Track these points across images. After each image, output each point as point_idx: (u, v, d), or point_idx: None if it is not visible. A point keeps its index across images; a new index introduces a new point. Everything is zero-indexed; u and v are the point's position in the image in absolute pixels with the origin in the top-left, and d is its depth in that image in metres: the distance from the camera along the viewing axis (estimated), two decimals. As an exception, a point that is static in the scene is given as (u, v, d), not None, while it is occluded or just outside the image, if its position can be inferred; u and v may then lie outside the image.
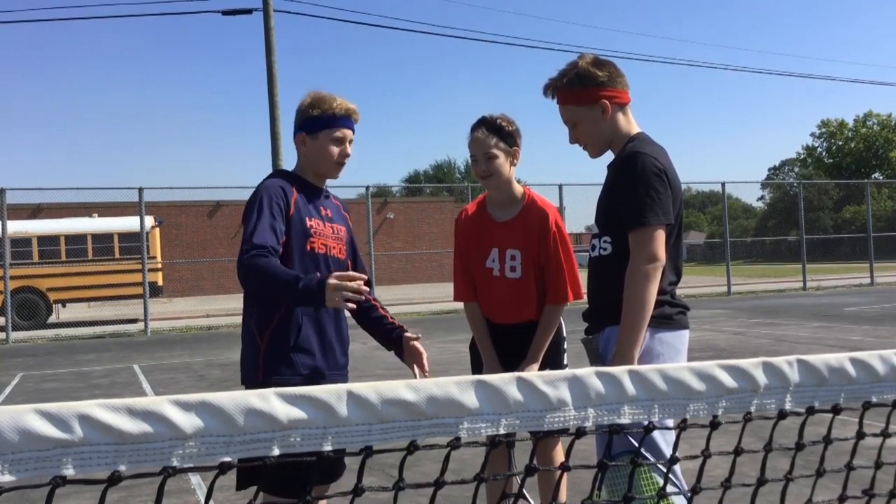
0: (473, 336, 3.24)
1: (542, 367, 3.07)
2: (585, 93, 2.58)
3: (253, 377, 2.63)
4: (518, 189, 3.18)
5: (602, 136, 2.63)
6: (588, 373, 1.07)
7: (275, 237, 2.55)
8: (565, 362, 3.27)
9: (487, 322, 3.20)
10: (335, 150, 2.73)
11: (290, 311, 2.64)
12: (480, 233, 3.18)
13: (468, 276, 3.23)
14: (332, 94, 2.76)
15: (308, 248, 2.67)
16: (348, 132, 2.75)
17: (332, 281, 2.35)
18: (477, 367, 3.23)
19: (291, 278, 2.42)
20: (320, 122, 2.71)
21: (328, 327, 2.73)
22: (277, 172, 2.79)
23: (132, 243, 19.07)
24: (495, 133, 3.06)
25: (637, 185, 2.45)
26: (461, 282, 3.25)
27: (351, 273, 2.42)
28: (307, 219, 2.68)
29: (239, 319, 18.92)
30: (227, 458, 0.88)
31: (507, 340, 3.15)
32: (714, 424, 1.18)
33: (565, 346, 3.29)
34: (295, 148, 2.81)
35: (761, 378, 1.17)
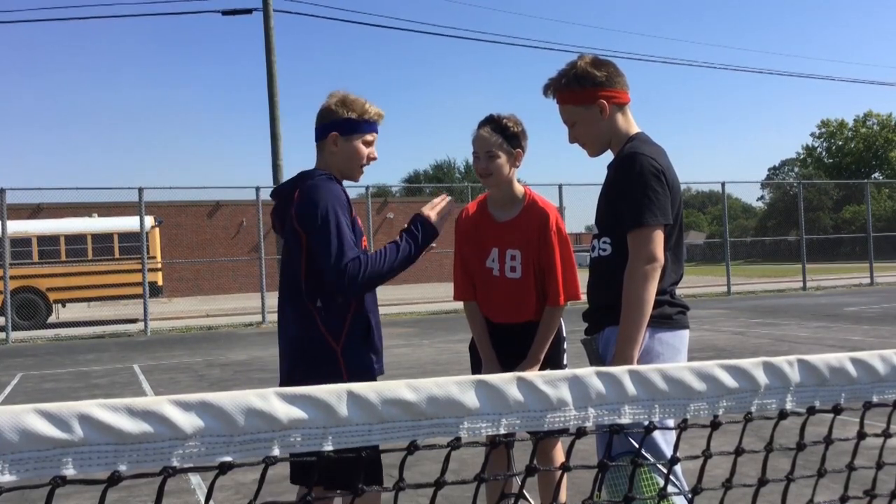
0: (472, 335, 3.24)
1: (542, 368, 3.07)
2: (583, 93, 2.58)
3: (332, 380, 2.62)
4: (519, 189, 3.17)
5: (600, 136, 2.63)
6: (588, 373, 1.07)
7: (356, 249, 2.64)
8: (565, 362, 3.27)
9: (486, 321, 3.20)
10: (365, 152, 2.79)
11: (360, 309, 2.71)
12: (481, 232, 3.18)
13: (468, 275, 3.23)
14: (359, 97, 2.81)
15: (363, 247, 2.75)
16: (376, 136, 2.83)
17: (429, 213, 2.80)
18: (476, 368, 3.23)
19: (408, 248, 2.71)
20: (356, 125, 2.76)
21: (378, 327, 2.83)
22: (321, 174, 2.75)
23: (132, 243, 19.07)
24: (500, 133, 3.06)
25: (635, 185, 2.45)
26: (461, 281, 3.25)
27: (434, 200, 2.85)
28: (358, 219, 2.76)
29: (238, 319, 18.66)
30: (227, 458, 0.88)
31: (505, 340, 3.16)
32: (714, 424, 1.18)
33: (565, 346, 3.29)
34: (319, 147, 2.81)
35: (762, 378, 1.17)
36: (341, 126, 2.75)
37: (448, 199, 2.84)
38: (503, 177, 3.08)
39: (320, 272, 2.61)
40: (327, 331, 2.65)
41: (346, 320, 2.67)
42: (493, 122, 3.08)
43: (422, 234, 2.75)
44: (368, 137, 2.79)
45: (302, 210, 2.64)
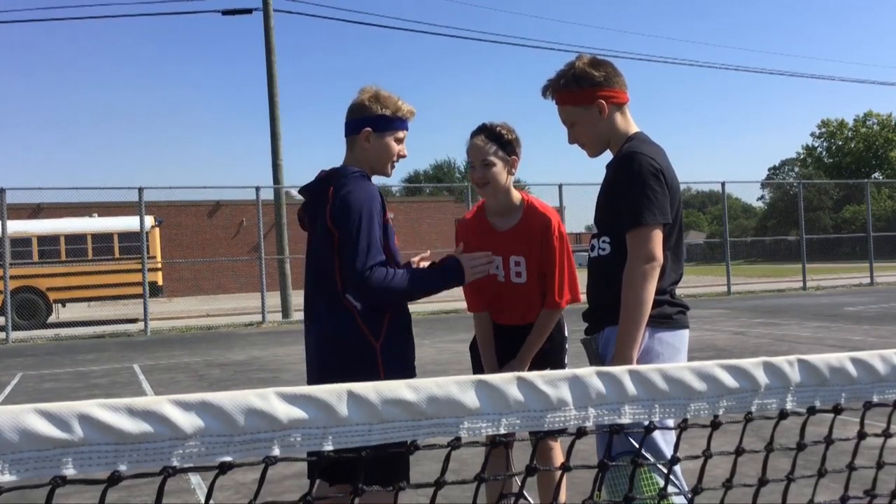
0: (478, 343, 3.22)
1: (544, 368, 3.07)
2: (582, 93, 2.58)
3: (367, 378, 2.58)
4: (516, 196, 3.16)
5: (599, 136, 2.63)
6: (588, 373, 1.07)
7: (383, 254, 2.64)
8: (566, 364, 3.27)
9: (493, 325, 3.21)
10: (396, 149, 2.79)
11: (401, 306, 2.72)
12: (482, 242, 3.17)
13: (478, 284, 3.21)
14: (391, 93, 2.81)
15: (395, 244, 2.77)
16: (407, 133, 2.84)
17: (466, 262, 2.77)
18: (477, 368, 3.24)
19: (432, 282, 2.71)
20: (389, 122, 2.76)
21: None
22: (355, 171, 2.74)
23: (132, 243, 19.07)
24: (494, 141, 3.05)
25: (634, 184, 2.45)
26: (471, 292, 3.21)
27: (479, 254, 2.84)
28: (389, 218, 2.76)
29: (238, 319, 18.59)
30: (228, 458, 0.88)
31: (511, 341, 3.16)
32: (715, 424, 1.18)
33: (567, 346, 3.30)
34: (350, 143, 2.79)
35: (762, 378, 1.17)
36: (375, 122, 2.74)
37: (491, 262, 2.84)
38: (501, 185, 3.07)
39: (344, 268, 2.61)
40: (366, 328, 2.63)
41: (385, 317, 2.66)
42: (487, 131, 3.07)
43: (450, 275, 2.75)
44: (400, 134, 2.79)
45: (337, 209, 2.63)
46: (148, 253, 17.27)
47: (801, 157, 70.32)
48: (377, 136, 2.74)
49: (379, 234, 2.61)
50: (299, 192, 2.87)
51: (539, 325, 3.10)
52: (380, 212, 2.65)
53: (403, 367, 2.68)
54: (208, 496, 1.01)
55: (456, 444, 0.99)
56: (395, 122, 2.76)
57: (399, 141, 2.79)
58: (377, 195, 2.67)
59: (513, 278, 3.13)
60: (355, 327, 2.63)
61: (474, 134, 3.09)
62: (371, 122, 2.74)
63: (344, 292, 2.65)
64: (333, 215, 2.63)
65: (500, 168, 3.05)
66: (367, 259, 2.55)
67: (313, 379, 2.73)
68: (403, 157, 2.82)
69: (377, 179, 2.85)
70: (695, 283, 24.73)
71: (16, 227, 18.11)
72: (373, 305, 2.64)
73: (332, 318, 2.66)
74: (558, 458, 3.19)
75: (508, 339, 3.17)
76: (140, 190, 16.18)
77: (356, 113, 2.77)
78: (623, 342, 2.38)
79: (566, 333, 3.28)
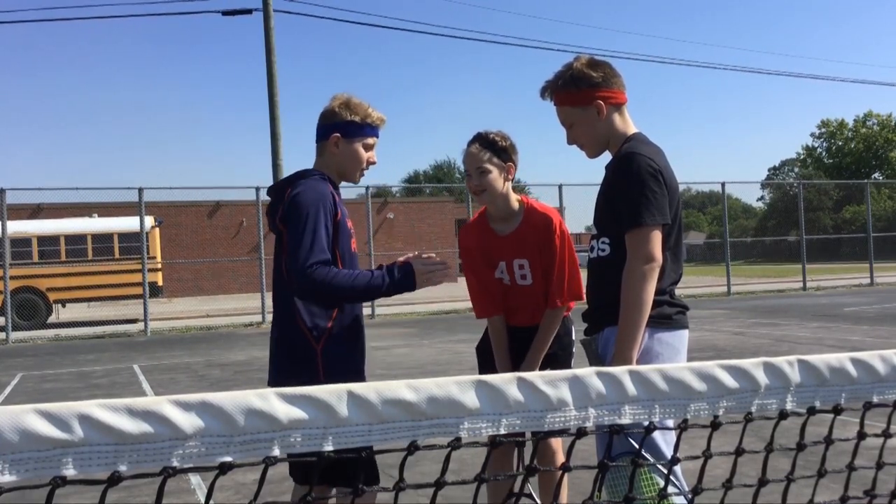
0: (493, 349, 3.22)
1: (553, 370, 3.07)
2: (580, 94, 2.58)
3: (307, 381, 2.60)
4: (516, 201, 3.18)
5: (598, 137, 2.63)
6: (589, 373, 1.07)
7: (328, 253, 2.63)
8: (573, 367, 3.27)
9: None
10: (365, 156, 2.82)
11: (350, 310, 2.73)
12: (486, 247, 3.19)
13: (485, 288, 3.21)
14: (363, 100, 2.84)
15: (352, 248, 2.77)
16: (377, 140, 2.86)
17: (419, 267, 2.71)
18: (484, 370, 3.23)
19: (380, 284, 2.65)
20: (358, 129, 2.79)
21: (363, 331, 2.83)
22: (315, 173, 2.77)
23: (132, 243, 19.07)
24: (489, 148, 3.07)
25: (633, 185, 2.45)
26: (479, 298, 3.21)
27: (429, 257, 2.77)
28: (347, 220, 2.77)
29: (239, 319, 18.62)
30: (228, 458, 0.88)
31: (520, 342, 3.17)
32: (715, 425, 1.18)
33: (574, 350, 3.30)
34: (320, 148, 2.83)
35: (762, 378, 1.17)
36: (344, 128, 2.77)
37: (447, 272, 2.79)
38: (497, 192, 3.09)
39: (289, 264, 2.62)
40: (308, 330, 2.64)
41: (330, 319, 2.66)
42: (481, 139, 3.10)
43: (400, 280, 2.71)
44: (369, 141, 2.82)
45: (286, 208, 2.66)
46: (148, 253, 17.27)
47: (801, 157, 70.29)
48: (346, 143, 2.78)
49: (325, 233, 2.62)
50: (267, 193, 2.92)
51: (544, 326, 3.11)
52: (330, 212, 2.66)
53: (346, 373, 2.64)
54: (208, 496, 1.01)
55: (456, 444, 0.99)
56: (364, 129, 2.79)
57: (368, 148, 2.82)
58: (328, 196, 2.68)
59: (518, 280, 3.15)
60: (299, 329, 2.65)
61: (469, 143, 3.13)
62: (340, 128, 2.78)
63: (291, 292, 2.66)
64: (283, 213, 2.67)
65: (495, 175, 3.07)
66: (310, 255, 2.56)
67: (271, 379, 2.76)
68: (373, 163, 2.85)
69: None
70: (695, 283, 24.73)
71: (16, 227, 18.11)
72: (319, 306, 2.65)
73: (283, 319, 2.70)
74: (560, 460, 3.19)
75: (519, 340, 3.18)
76: (140, 190, 16.19)
77: (326, 119, 2.81)
78: (623, 342, 2.38)
79: (574, 336, 3.28)
